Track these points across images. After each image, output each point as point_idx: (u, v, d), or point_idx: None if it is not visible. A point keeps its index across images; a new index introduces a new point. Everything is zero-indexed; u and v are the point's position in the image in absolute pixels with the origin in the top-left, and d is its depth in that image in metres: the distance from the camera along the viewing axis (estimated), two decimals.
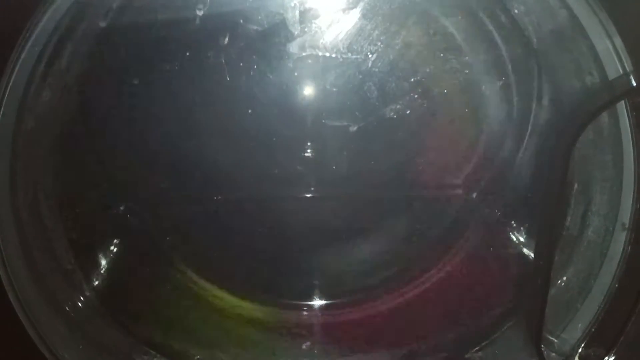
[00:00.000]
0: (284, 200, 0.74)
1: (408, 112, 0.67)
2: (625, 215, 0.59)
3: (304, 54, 0.64)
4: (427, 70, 0.66)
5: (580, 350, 0.60)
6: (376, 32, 0.63)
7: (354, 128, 0.68)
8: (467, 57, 0.66)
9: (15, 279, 0.57)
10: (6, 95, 0.54)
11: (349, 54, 0.64)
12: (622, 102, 0.56)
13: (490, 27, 0.65)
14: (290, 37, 0.63)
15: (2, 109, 0.54)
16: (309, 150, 0.70)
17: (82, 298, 0.66)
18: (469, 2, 0.65)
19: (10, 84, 0.53)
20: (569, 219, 0.65)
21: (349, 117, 0.68)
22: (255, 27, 0.63)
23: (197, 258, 0.76)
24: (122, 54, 0.65)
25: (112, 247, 0.72)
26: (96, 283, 0.69)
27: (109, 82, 0.67)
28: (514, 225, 0.73)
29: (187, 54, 0.65)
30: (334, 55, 0.64)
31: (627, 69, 0.54)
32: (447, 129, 0.71)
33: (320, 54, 0.64)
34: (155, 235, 0.74)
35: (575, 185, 0.64)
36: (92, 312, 0.66)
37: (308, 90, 0.67)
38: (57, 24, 0.54)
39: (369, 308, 0.77)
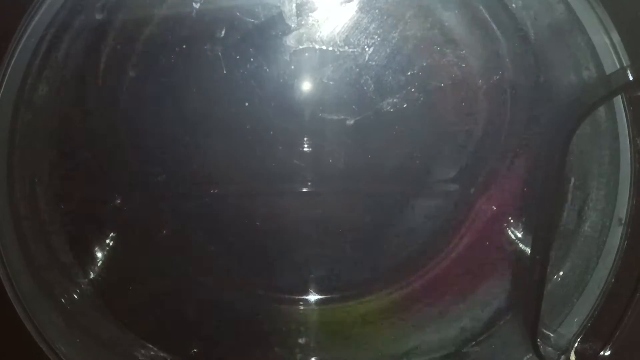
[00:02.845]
0: (281, 195, 0.74)
1: (405, 105, 0.67)
2: (622, 210, 0.59)
3: (300, 47, 0.64)
4: (424, 63, 0.66)
5: (576, 344, 0.61)
6: (373, 25, 0.63)
7: (350, 122, 0.68)
8: (464, 51, 0.66)
9: (12, 272, 0.57)
10: (3, 89, 0.54)
11: (346, 47, 0.64)
12: (619, 96, 0.56)
13: (488, 21, 0.65)
14: (287, 30, 0.63)
15: None
16: (306, 144, 0.70)
17: (79, 291, 0.66)
18: None
19: (7, 77, 0.53)
20: (565, 214, 0.65)
21: (346, 111, 0.68)
22: (252, 20, 0.63)
23: (193, 252, 0.76)
24: (118, 47, 0.65)
25: (109, 241, 0.72)
26: (93, 276, 0.69)
27: (106, 75, 0.67)
28: (511, 221, 0.73)
29: (184, 46, 0.65)
30: (330, 49, 0.64)
31: (624, 64, 0.54)
32: (443, 122, 0.72)
33: (317, 47, 0.64)
34: (152, 228, 0.75)
35: (572, 180, 0.64)
36: (89, 305, 0.67)
37: (305, 84, 0.67)
38: (53, 17, 0.54)
39: (366, 303, 0.77)
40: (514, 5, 0.62)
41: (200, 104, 0.69)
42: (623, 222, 0.59)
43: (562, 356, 0.61)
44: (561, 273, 0.64)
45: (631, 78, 0.53)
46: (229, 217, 0.76)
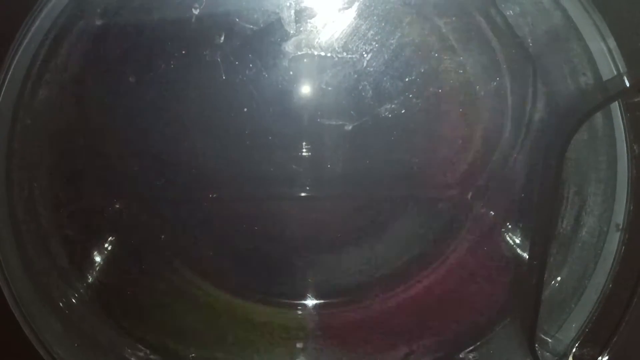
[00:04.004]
0: (279, 200, 0.75)
1: (403, 111, 0.68)
2: (619, 215, 0.59)
3: (299, 53, 0.64)
4: (422, 70, 0.66)
5: (574, 350, 0.61)
6: (371, 31, 0.63)
7: (349, 127, 0.68)
8: (461, 57, 0.67)
9: (10, 276, 0.57)
10: (3, 93, 0.54)
11: (344, 54, 0.64)
12: (616, 103, 0.56)
13: (485, 28, 0.66)
14: (285, 36, 0.63)
15: None
16: (304, 150, 0.70)
17: (77, 295, 0.66)
18: (463, 3, 0.65)
19: (7, 81, 0.54)
20: (563, 219, 0.65)
21: (344, 116, 0.68)
22: (251, 26, 0.63)
23: (192, 256, 0.76)
24: (118, 53, 0.65)
25: (107, 245, 0.72)
26: (91, 281, 0.69)
27: (105, 80, 0.67)
28: (509, 226, 0.73)
29: (183, 52, 0.65)
30: (329, 55, 0.64)
31: (621, 70, 0.54)
32: (441, 128, 0.72)
33: (315, 53, 0.64)
34: (150, 233, 0.75)
35: (570, 186, 0.64)
36: (87, 310, 0.66)
37: (303, 89, 0.68)
38: (53, 22, 0.55)
39: (364, 308, 0.77)
40: (511, 12, 0.63)
41: (199, 110, 0.70)
42: (620, 227, 0.59)
43: None
44: (559, 278, 0.65)
45: (628, 84, 0.53)
46: (227, 221, 0.76)
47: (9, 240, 0.58)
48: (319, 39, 0.63)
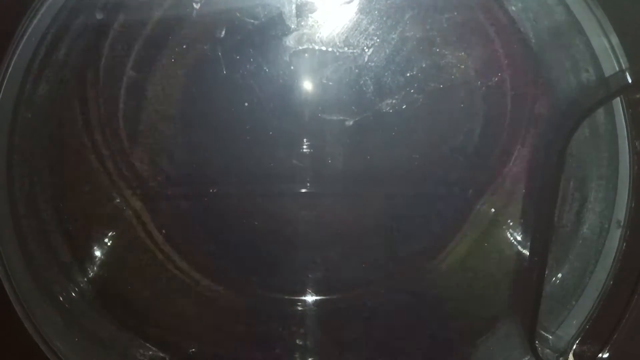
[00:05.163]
0: (280, 195, 0.75)
1: (404, 106, 0.67)
2: (620, 212, 0.59)
3: (300, 47, 0.64)
4: (423, 65, 0.66)
5: (575, 346, 0.61)
6: (372, 26, 0.63)
7: (350, 122, 0.68)
8: (462, 53, 0.66)
9: (11, 270, 0.57)
10: (3, 88, 0.54)
11: (346, 48, 0.64)
12: (618, 99, 0.56)
13: (487, 23, 0.66)
14: (287, 31, 0.63)
15: None
16: (305, 145, 0.70)
17: (77, 290, 0.66)
18: None
19: (8, 76, 0.53)
20: (564, 216, 0.65)
21: (345, 112, 0.68)
22: (252, 21, 0.63)
23: (192, 252, 0.76)
24: (118, 47, 0.65)
25: (107, 240, 0.72)
26: (92, 275, 0.69)
27: (106, 75, 0.67)
28: (510, 223, 0.73)
29: (184, 47, 0.66)
30: (330, 50, 0.64)
31: (623, 66, 0.54)
32: (442, 124, 0.72)
33: (316, 48, 0.64)
34: (151, 228, 0.75)
35: (571, 182, 0.64)
36: (88, 304, 0.67)
37: (304, 84, 0.67)
38: (54, 16, 0.54)
39: (364, 305, 0.77)
40: (513, 8, 0.62)
41: (200, 104, 0.70)
42: (622, 224, 0.59)
43: (561, 358, 0.61)
44: (560, 275, 0.64)
45: (630, 80, 0.53)
46: (228, 217, 0.76)
47: (9, 235, 0.58)
48: (320, 33, 0.63)
